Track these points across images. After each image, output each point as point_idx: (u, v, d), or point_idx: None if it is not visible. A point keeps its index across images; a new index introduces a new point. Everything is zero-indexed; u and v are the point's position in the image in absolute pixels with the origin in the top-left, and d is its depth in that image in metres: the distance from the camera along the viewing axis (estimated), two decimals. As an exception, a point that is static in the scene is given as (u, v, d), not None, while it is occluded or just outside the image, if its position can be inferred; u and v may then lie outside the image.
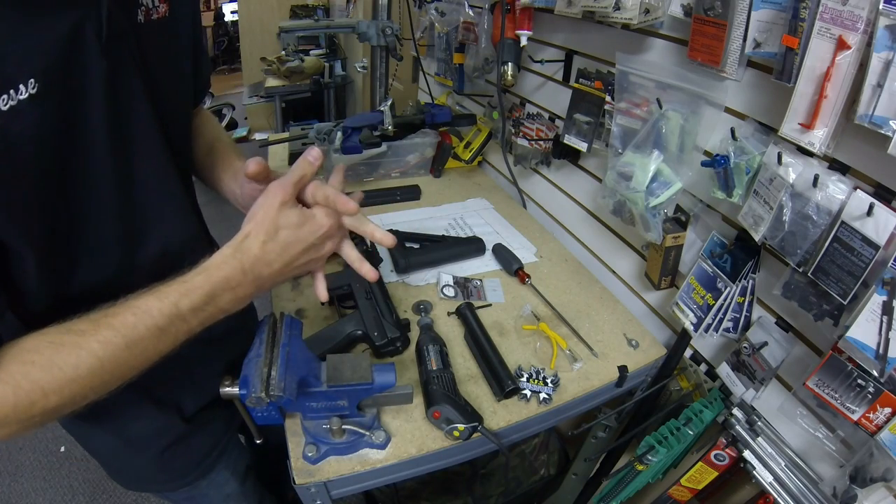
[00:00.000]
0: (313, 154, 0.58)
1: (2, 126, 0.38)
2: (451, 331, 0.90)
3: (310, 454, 0.66)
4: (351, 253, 0.63)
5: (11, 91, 0.38)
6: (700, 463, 0.80)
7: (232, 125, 4.14)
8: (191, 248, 0.63)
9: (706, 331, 0.78)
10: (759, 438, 0.74)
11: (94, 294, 0.49)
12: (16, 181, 0.41)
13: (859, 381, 0.57)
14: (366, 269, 0.63)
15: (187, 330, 0.50)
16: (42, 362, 0.42)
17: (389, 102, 1.31)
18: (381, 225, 1.16)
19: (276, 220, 0.54)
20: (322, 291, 0.64)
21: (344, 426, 0.66)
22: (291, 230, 0.55)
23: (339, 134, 1.29)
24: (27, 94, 0.39)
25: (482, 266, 1.09)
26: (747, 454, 0.74)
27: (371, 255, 1.00)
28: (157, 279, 0.51)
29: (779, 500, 0.70)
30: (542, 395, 0.78)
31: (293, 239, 0.55)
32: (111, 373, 0.45)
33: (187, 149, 0.69)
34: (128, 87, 0.50)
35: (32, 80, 0.39)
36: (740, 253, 0.74)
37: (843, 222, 0.56)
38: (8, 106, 0.38)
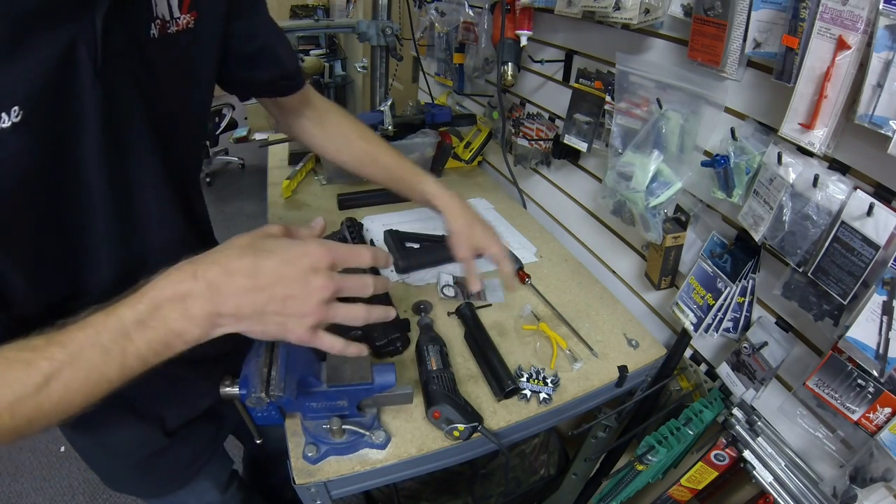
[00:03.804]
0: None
1: None
2: (451, 331, 0.90)
3: (310, 454, 0.66)
4: (333, 342, 0.52)
5: None
6: (700, 463, 0.80)
7: (232, 125, 4.13)
8: None
9: (706, 331, 0.78)
10: (759, 438, 0.74)
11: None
12: (1, 209, 0.40)
13: (859, 381, 0.57)
14: (352, 350, 0.53)
15: (136, 354, 0.42)
16: None
17: (389, 102, 1.31)
18: (381, 225, 1.18)
19: (248, 238, 0.48)
20: (334, 342, 0.52)
21: (344, 426, 0.66)
22: (262, 243, 0.47)
23: (339, 134, 1.29)
24: (9, 123, 0.37)
25: (482, 266, 1.08)
26: (747, 454, 0.74)
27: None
28: None
29: (779, 500, 0.70)
30: (542, 395, 0.78)
31: (265, 251, 0.46)
32: (60, 394, 0.40)
33: (194, 156, 0.65)
34: (125, 112, 0.48)
35: (16, 107, 0.37)
36: (740, 253, 0.74)
37: (843, 222, 0.56)
38: None
